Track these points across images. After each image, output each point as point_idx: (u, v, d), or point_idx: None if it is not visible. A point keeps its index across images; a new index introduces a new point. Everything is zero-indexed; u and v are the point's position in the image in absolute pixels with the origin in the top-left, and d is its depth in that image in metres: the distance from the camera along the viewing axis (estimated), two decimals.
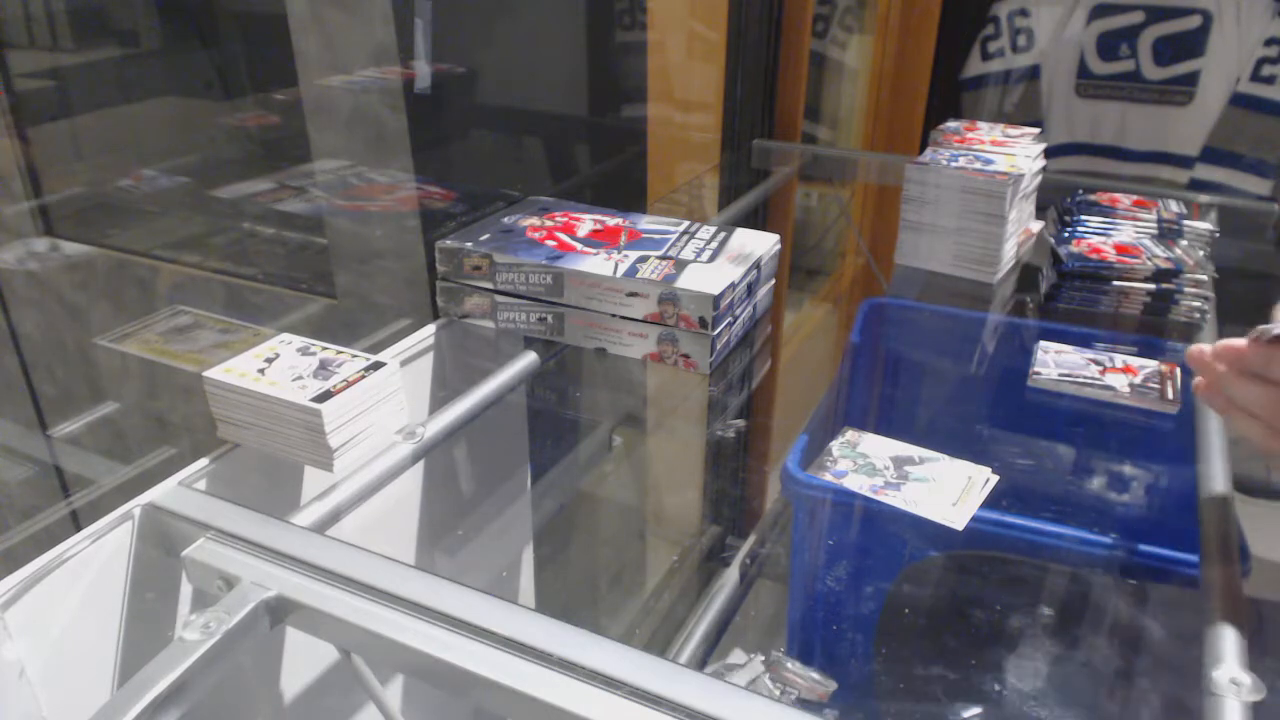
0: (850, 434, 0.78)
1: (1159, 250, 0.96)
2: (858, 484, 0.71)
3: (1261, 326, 0.58)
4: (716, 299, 0.72)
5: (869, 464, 0.73)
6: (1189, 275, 0.92)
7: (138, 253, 1.04)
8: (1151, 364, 0.86)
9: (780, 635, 1.03)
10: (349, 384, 0.60)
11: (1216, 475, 0.68)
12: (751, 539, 1.20)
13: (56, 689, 0.53)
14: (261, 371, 0.61)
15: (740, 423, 1.02)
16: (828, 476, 0.72)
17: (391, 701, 0.61)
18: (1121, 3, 1.65)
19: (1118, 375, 0.84)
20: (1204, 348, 0.60)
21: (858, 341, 1.13)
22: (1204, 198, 1.20)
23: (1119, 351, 0.88)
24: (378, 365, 0.63)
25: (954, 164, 0.98)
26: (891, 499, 0.68)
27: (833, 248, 2.03)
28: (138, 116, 1.03)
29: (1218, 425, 0.73)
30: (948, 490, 0.69)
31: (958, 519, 0.66)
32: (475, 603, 0.48)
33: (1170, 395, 0.82)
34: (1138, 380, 0.83)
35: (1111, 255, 0.95)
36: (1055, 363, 0.86)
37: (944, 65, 1.80)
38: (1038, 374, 0.85)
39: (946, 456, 0.73)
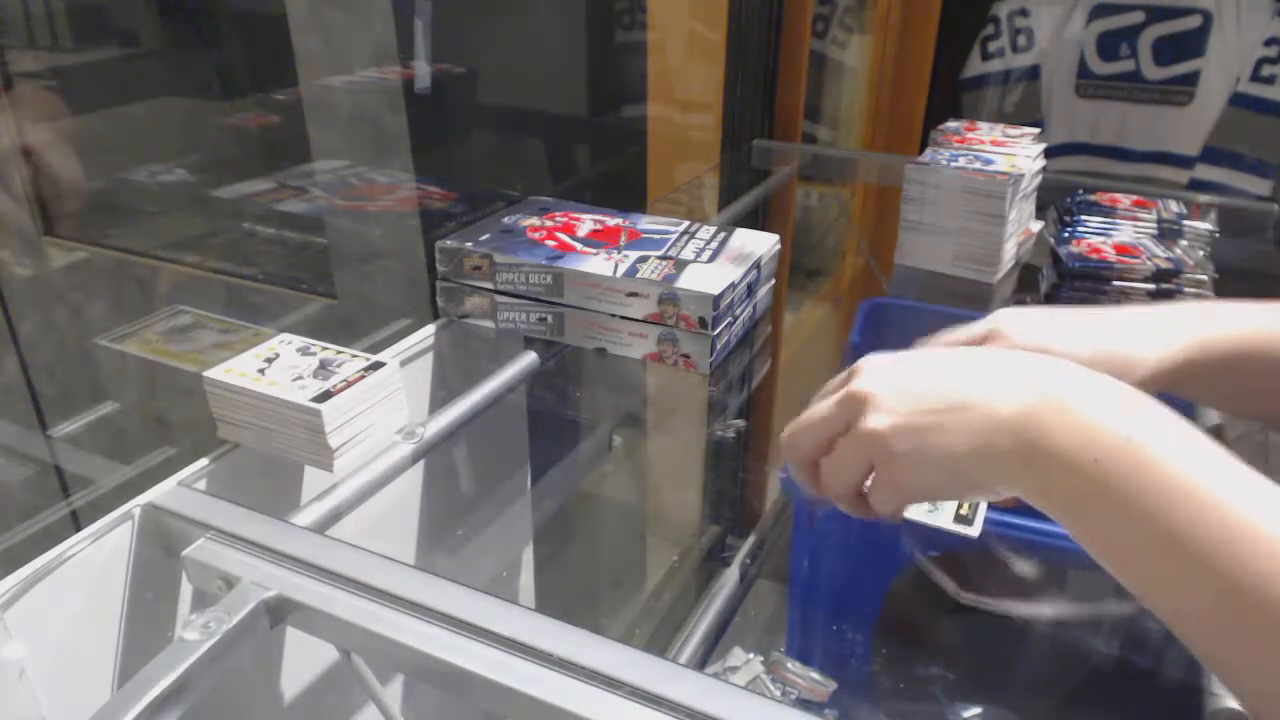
0: None
1: (1159, 250, 0.96)
2: None
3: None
4: (716, 299, 0.72)
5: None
6: (1189, 275, 0.92)
7: (138, 253, 1.04)
8: None
9: (780, 635, 1.04)
10: (349, 384, 0.60)
11: None
12: (751, 539, 1.20)
13: (56, 689, 0.53)
14: (261, 371, 0.61)
15: (740, 423, 1.02)
16: None
17: (391, 701, 0.61)
18: (1121, 3, 1.65)
19: None
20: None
21: (858, 341, 1.13)
22: (1204, 198, 1.20)
23: None
24: (378, 365, 0.63)
25: (954, 164, 0.98)
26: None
27: (833, 248, 2.03)
28: (137, 116, 1.04)
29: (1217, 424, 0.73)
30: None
31: (972, 528, 0.65)
32: (475, 603, 0.48)
33: None
34: None
35: (1111, 255, 0.95)
36: None
37: (944, 65, 1.80)
38: None
39: None
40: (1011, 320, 0.54)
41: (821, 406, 0.48)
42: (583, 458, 1.16)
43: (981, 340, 0.54)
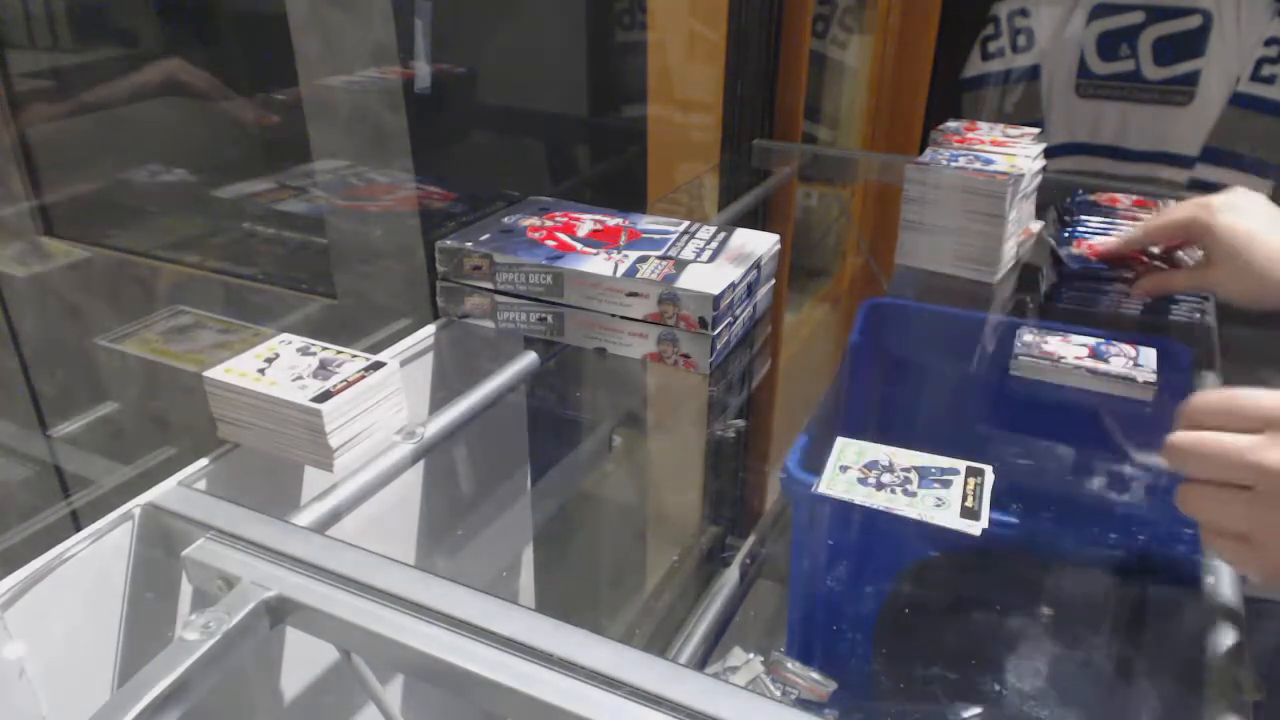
0: (850, 444, 0.77)
1: (1160, 252, 0.96)
2: (866, 496, 0.70)
3: None
4: (716, 299, 0.72)
5: (874, 475, 0.73)
6: None
7: (138, 253, 1.04)
8: (1131, 352, 0.86)
9: (780, 635, 1.03)
10: (349, 384, 0.60)
11: None
12: (751, 539, 1.20)
13: (56, 689, 0.53)
14: (261, 371, 0.61)
15: (740, 423, 1.02)
16: (837, 491, 0.71)
17: (391, 701, 0.61)
18: (1121, 3, 1.64)
19: (1098, 363, 0.85)
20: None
21: (858, 341, 1.13)
22: None
23: (1107, 344, 0.88)
24: (378, 365, 0.63)
25: (954, 164, 0.98)
26: (904, 510, 0.68)
27: (833, 248, 2.03)
28: (137, 116, 1.04)
29: None
30: (955, 494, 0.69)
31: (975, 525, 0.65)
32: (475, 603, 0.48)
33: (1141, 380, 0.83)
34: (1115, 369, 0.84)
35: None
36: (1036, 350, 0.87)
37: (944, 65, 1.80)
38: (1018, 360, 0.86)
39: (947, 458, 0.73)
40: (1226, 208, 0.53)
41: (1245, 444, 0.45)
42: (583, 458, 1.16)
43: (1187, 226, 0.52)
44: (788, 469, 0.86)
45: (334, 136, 0.82)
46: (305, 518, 0.58)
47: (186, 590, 0.60)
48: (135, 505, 0.56)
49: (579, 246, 0.80)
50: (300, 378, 0.61)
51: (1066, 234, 1.01)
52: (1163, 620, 0.87)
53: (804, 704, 0.81)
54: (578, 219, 0.86)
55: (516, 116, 0.98)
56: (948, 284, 1.01)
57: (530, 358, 0.79)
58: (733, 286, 0.75)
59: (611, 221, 0.86)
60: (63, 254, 1.08)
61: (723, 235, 0.84)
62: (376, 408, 0.62)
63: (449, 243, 0.80)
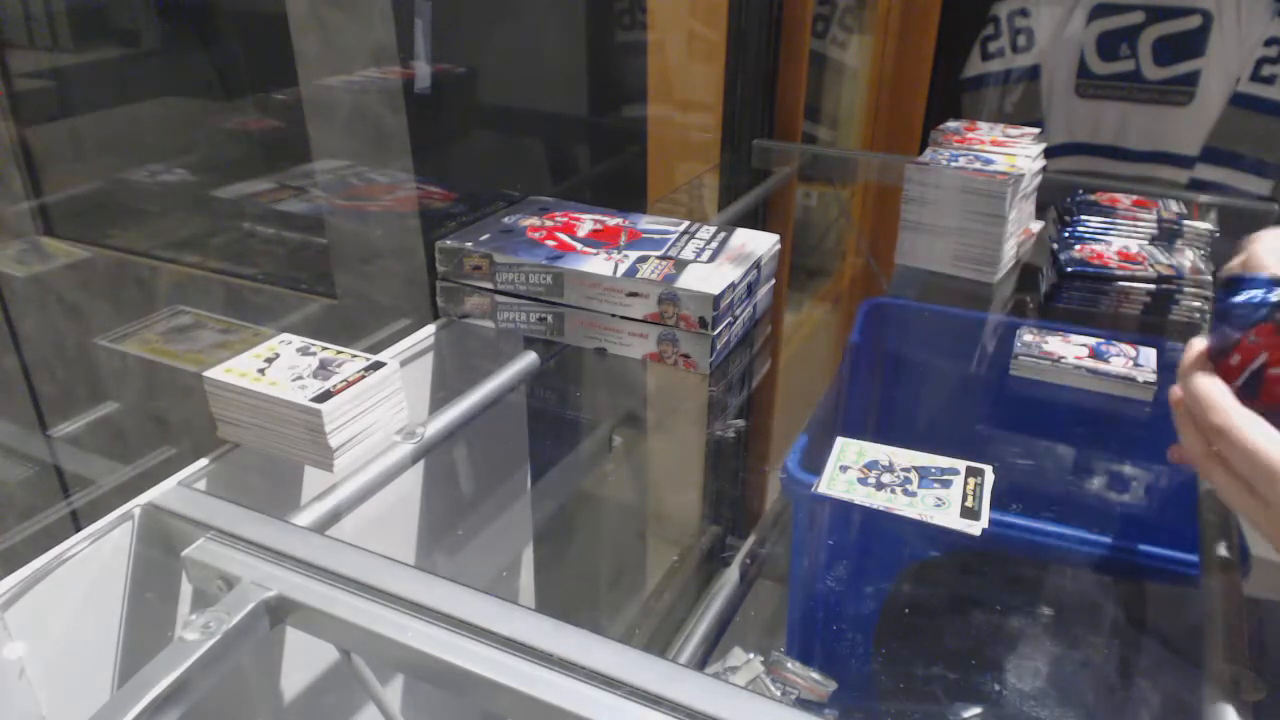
0: (850, 444, 0.77)
1: (1162, 258, 0.96)
2: (866, 496, 0.70)
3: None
4: (716, 299, 0.72)
5: (874, 475, 0.73)
6: (1190, 277, 0.92)
7: (138, 253, 1.04)
8: (1131, 352, 0.86)
9: (780, 635, 1.03)
10: (349, 384, 0.60)
11: None
12: (751, 539, 1.20)
13: (56, 689, 0.53)
14: (261, 371, 0.61)
15: (740, 423, 1.02)
16: (837, 491, 0.71)
17: (391, 701, 0.61)
18: (1121, 3, 1.64)
19: (1098, 363, 0.85)
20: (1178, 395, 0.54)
21: (858, 341, 1.13)
22: (1204, 198, 1.20)
23: (1107, 344, 0.88)
24: (378, 365, 0.63)
25: (954, 164, 0.98)
26: (904, 510, 0.68)
27: (833, 248, 2.03)
28: (138, 117, 1.04)
29: None
30: (956, 494, 0.69)
31: (975, 525, 0.65)
32: (475, 603, 0.48)
33: (1141, 380, 0.83)
34: (1115, 369, 0.84)
35: (1114, 261, 0.95)
36: (1036, 350, 0.87)
37: (944, 65, 1.80)
38: (1018, 361, 0.86)
39: (946, 458, 0.73)
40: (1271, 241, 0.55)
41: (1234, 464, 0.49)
42: (583, 458, 1.16)
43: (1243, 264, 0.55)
44: (788, 469, 0.86)
45: (334, 136, 0.82)
46: (305, 518, 0.58)
47: (186, 590, 0.60)
48: (135, 505, 0.56)
49: (579, 246, 0.80)
50: (300, 378, 0.61)
51: (1066, 234, 1.01)
52: (1163, 620, 0.86)
53: (804, 704, 0.81)
54: (578, 219, 0.86)
55: (516, 116, 0.98)
56: (948, 284, 1.01)
57: (530, 358, 0.79)
58: (733, 286, 0.75)
59: (611, 221, 0.86)
60: (63, 254, 1.08)
61: (723, 235, 0.84)
62: (376, 408, 0.62)
63: (449, 243, 0.80)
